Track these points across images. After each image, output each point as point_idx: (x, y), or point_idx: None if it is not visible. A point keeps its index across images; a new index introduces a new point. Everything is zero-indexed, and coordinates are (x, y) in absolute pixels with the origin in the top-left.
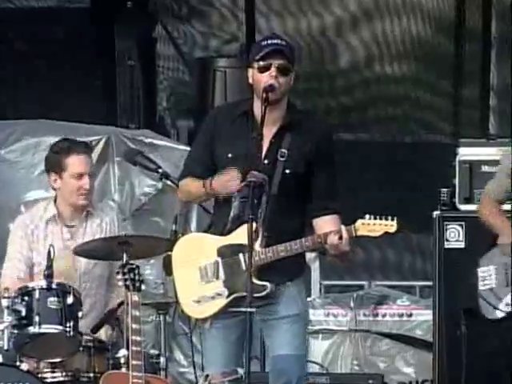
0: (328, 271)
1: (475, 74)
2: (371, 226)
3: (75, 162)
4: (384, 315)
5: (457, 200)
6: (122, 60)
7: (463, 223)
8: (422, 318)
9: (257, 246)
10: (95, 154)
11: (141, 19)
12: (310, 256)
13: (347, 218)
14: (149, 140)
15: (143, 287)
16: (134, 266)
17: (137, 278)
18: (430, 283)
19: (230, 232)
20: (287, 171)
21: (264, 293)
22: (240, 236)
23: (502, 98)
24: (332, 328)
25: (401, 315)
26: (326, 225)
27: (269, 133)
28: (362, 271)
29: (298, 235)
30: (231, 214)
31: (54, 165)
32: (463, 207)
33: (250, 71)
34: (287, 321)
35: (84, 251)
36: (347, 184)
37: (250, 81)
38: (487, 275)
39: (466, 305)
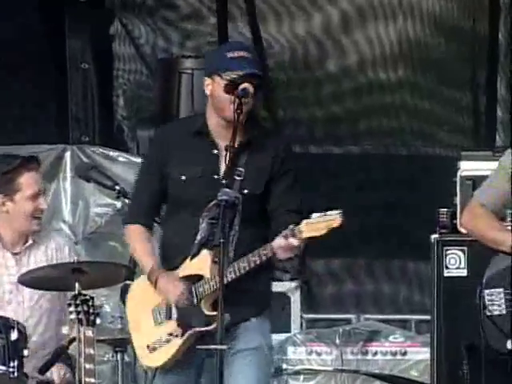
0: (310, 303)
1: (481, 82)
2: (315, 225)
3: (31, 181)
4: (374, 353)
5: (458, 222)
6: (74, 62)
7: (465, 248)
8: (418, 356)
9: (205, 273)
10: (44, 169)
11: (96, 15)
12: (289, 286)
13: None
14: (105, 153)
15: (98, 321)
16: (88, 297)
17: (91, 310)
18: (427, 317)
19: (193, 257)
20: (245, 191)
21: (213, 325)
22: (192, 266)
23: (510, 107)
24: (315, 368)
25: (394, 353)
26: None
27: (223, 149)
28: (350, 303)
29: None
30: (198, 237)
31: (1, 187)
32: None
33: (210, 83)
34: (245, 354)
35: (30, 280)
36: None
37: (208, 92)
38: (496, 298)
39: (469, 341)
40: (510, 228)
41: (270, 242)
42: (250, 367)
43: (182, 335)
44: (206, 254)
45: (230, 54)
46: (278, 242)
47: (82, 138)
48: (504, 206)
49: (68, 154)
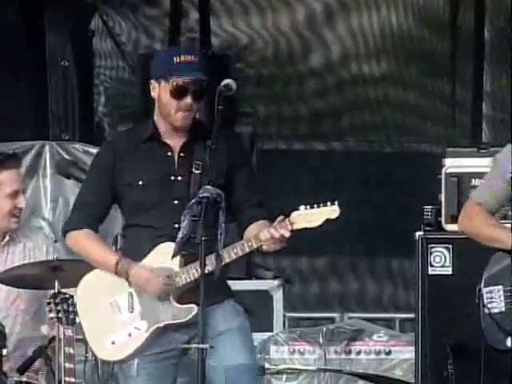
0: (293, 302)
1: (466, 76)
2: (309, 217)
3: (9, 179)
4: (358, 352)
5: (443, 219)
6: (53, 59)
7: (450, 246)
8: (402, 355)
9: (176, 266)
10: (24, 166)
11: (76, 10)
12: (272, 284)
13: (315, 247)
14: (85, 149)
15: (77, 320)
16: (68, 296)
17: (70, 309)
18: (412, 315)
19: (175, 256)
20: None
21: (188, 318)
22: (154, 258)
23: (495, 103)
24: (298, 367)
25: (378, 352)
26: (250, 228)
27: (178, 149)
28: (333, 302)
29: None
30: (179, 235)
31: None
32: (450, 227)
33: (156, 87)
34: (230, 334)
35: (9, 278)
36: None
37: (154, 95)
38: (495, 296)
39: (454, 341)
40: (506, 226)
41: (257, 234)
42: (237, 342)
43: (148, 329)
44: (169, 247)
45: (176, 59)
46: (268, 233)
47: (62, 136)
48: (501, 204)
49: (47, 151)
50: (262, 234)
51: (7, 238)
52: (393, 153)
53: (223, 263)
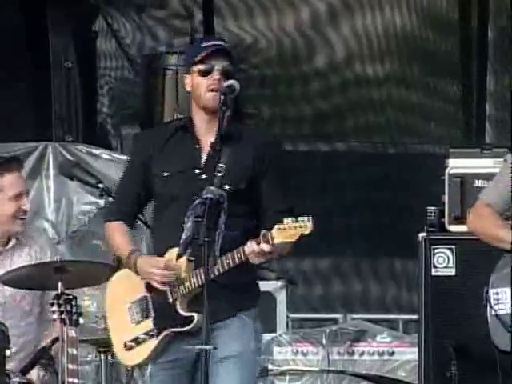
0: (296, 303)
1: (470, 76)
2: (287, 232)
3: (13, 182)
4: (361, 354)
5: (446, 220)
6: (57, 61)
7: (453, 247)
8: (405, 356)
9: (181, 273)
10: (26, 167)
11: (79, 11)
12: (275, 286)
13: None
14: (88, 150)
15: (81, 321)
16: (71, 297)
17: (74, 310)
18: (415, 316)
19: (180, 257)
20: (226, 187)
21: (190, 326)
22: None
23: (499, 104)
24: (301, 368)
25: (381, 354)
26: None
27: (208, 144)
28: (337, 303)
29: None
30: (183, 236)
31: None
32: (453, 228)
33: (188, 77)
34: (229, 362)
35: (12, 280)
36: (322, 205)
37: (189, 88)
38: (502, 298)
39: (457, 341)
40: None
41: (243, 246)
42: (232, 376)
43: (158, 335)
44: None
45: (202, 44)
46: (250, 246)
47: (66, 138)
48: (509, 205)
49: (50, 152)
50: (246, 246)
51: (13, 241)
52: (396, 153)
53: (217, 273)
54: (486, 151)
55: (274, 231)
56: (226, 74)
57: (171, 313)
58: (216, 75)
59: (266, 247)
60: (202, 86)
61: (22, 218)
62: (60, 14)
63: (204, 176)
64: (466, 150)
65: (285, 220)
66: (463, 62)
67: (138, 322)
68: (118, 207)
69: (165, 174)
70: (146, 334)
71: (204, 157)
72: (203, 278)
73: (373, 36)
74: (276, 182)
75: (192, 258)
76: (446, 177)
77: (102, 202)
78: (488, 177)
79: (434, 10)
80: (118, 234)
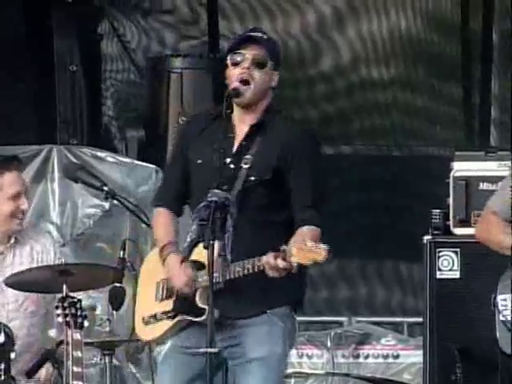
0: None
1: (474, 79)
2: (305, 253)
3: (11, 181)
4: (366, 356)
5: (451, 223)
6: (61, 64)
7: (458, 250)
8: (410, 359)
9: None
10: (31, 170)
11: (83, 14)
12: None
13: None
14: (93, 153)
15: (86, 324)
16: (76, 300)
17: (79, 313)
18: (420, 319)
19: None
20: (252, 178)
21: (198, 318)
22: (201, 252)
23: (503, 107)
24: (306, 371)
25: (386, 356)
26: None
27: (241, 134)
28: (342, 306)
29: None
30: (188, 239)
31: None
32: (458, 231)
33: (227, 71)
34: (257, 363)
35: (16, 283)
36: (327, 207)
37: (228, 81)
38: (510, 304)
39: (462, 344)
40: None
41: (261, 257)
42: (257, 378)
43: (173, 318)
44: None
45: (241, 36)
46: (267, 259)
47: (70, 141)
48: None
49: (55, 155)
50: (264, 257)
51: (13, 239)
52: (401, 156)
53: (233, 277)
54: (490, 154)
55: (295, 250)
56: (256, 63)
57: (187, 300)
58: (246, 63)
59: (281, 264)
60: (233, 76)
61: (19, 218)
62: (64, 16)
63: (232, 166)
64: (471, 152)
65: (308, 241)
66: (468, 64)
67: (161, 300)
68: (164, 193)
69: (199, 161)
70: (164, 313)
71: (235, 145)
72: (224, 275)
73: (378, 39)
74: (305, 175)
75: (223, 253)
76: (451, 179)
77: (106, 204)
78: (492, 180)
79: (439, 12)
80: (159, 223)
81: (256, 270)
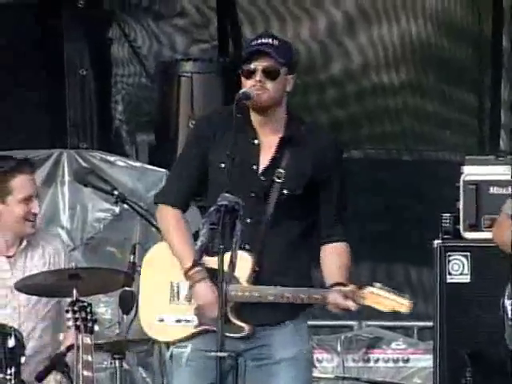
0: (312, 310)
1: (485, 84)
2: (380, 299)
3: (23, 184)
4: (376, 360)
5: (461, 227)
6: (71, 68)
7: (468, 254)
8: (420, 363)
9: (243, 280)
10: (41, 174)
11: (93, 18)
12: None
13: None
14: (103, 157)
15: (96, 328)
16: (86, 304)
17: (89, 317)
18: (430, 323)
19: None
20: (284, 192)
21: (239, 335)
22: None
23: None
24: (316, 375)
25: (396, 360)
26: (328, 255)
27: (268, 145)
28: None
29: (303, 268)
30: (198, 243)
31: None
32: (468, 235)
33: (242, 78)
34: (286, 364)
35: (27, 286)
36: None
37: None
38: None
39: (472, 348)
40: None
41: (326, 292)
42: (289, 377)
43: (198, 326)
44: (247, 259)
45: (252, 43)
46: (336, 297)
47: (80, 145)
48: None
49: (65, 159)
50: (331, 296)
51: (25, 242)
52: (411, 161)
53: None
54: (500, 158)
55: (367, 293)
56: (268, 74)
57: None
58: (257, 76)
59: (351, 306)
60: (246, 86)
61: (31, 221)
62: (74, 20)
63: (263, 178)
64: (481, 157)
65: (377, 284)
66: (478, 69)
67: (178, 304)
68: (175, 190)
69: (222, 165)
70: (185, 319)
71: (262, 153)
72: (265, 296)
73: (389, 44)
74: (335, 190)
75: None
76: (461, 184)
77: (116, 208)
78: (503, 184)
79: (449, 17)
80: (176, 231)
81: (310, 301)
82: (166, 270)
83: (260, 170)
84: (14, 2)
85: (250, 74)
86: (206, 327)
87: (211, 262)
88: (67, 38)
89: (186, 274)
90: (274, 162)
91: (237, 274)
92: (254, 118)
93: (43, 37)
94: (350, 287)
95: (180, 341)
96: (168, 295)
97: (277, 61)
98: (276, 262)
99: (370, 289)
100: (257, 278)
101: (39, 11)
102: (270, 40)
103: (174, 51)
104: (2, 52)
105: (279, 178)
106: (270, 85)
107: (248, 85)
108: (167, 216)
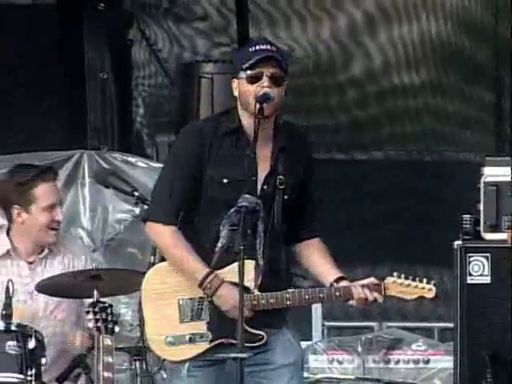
0: (332, 311)
1: (505, 84)
2: (403, 288)
3: (46, 193)
4: (397, 362)
5: (481, 228)
6: (92, 72)
7: (489, 255)
8: (441, 365)
9: (254, 288)
10: (63, 176)
11: (114, 21)
12: None
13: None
14: (124, 158)
15: (117, 329)
16: (107, 305)
17: (109, 318)
18: (450, 325)
19: (217, 265)
20: (286, 197)
21: (257, 343)
22: (233, 275)
23: None
24: (337, 376)
25: (416, 362)
26: (310, 248)
27: (264, 153)
28: (372, 311)
29: (288, 268)
30: (219, 244)
31: (16, 197)
32: (489, 236)
33: (236, 82)
34: (287, 370)
35: (48, 288)
36: (358, 213)
37: (236, 93)
38: None
39: (493, 350)
40: None
41: (347, 287)
42: (291, 379)
43: (212, 341)
44: (253, 267)
45: (251, 49)
46: (361, 291)
47: (101, 148)
48: None
49: (86, 160)
50: (355, 290)
51: (46, 251)
52: (432, 161)
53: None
54: None
55: (389, 283)
56: (274, 80)
57: (231, 323)
58: (265, 82)
59: (379, 298)
60: (250, 93)
61: (55, 229)
62: (95, 23)
63: (266, 187)
64: (502, 158)
65: (395, 273)
66: (499, 69)
67: (189, 321)
68: (168, 207)
69: (225, 180)
70: (198, 335)
71: (259, 163)
72: (282, 301)
73: (409, 44)
74: (313, 186)
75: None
76: (482, 185)
77: (137, 209)
78: None
79: (470, 17)
80: (180, 248)
81: (331, 299)
82: (169, 291)
83: (262, 179)
84: (35, 3)
85: (255, 80)
86: (222, 340)
87: (221, 274)
88: (88, 40)
89: (201, 284)
90: (274, 170)
91: (246, 283)
92: (249, 125)
93: (64, 40)
94: (371, 280)
95: (194, 359)
96: (176, 313)
97: (282, 68)
98: (276, 267)
99: (390, 279)
100: (265, 284)
101: (60, 13)
102: (270, 46)
103: (195, 54)
104: (24, 56)
105: (281, 185)
106: (276, 91)
107: (251, 90)
108: (164, 234)
